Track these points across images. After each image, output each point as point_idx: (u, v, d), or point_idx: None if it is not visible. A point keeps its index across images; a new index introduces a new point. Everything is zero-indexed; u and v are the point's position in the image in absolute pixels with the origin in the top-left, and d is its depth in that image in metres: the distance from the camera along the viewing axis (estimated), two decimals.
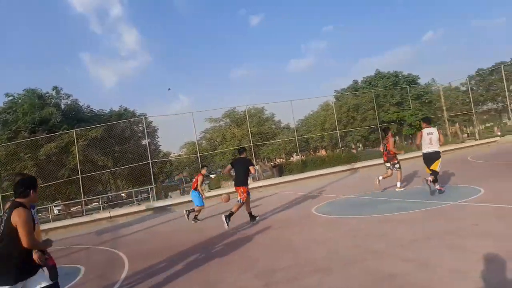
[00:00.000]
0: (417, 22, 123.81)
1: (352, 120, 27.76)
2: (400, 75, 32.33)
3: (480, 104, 38.20)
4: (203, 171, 11.71)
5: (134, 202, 23.09)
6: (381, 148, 10.61)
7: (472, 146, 24.29)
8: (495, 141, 24.39)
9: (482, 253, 4.44)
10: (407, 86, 28.77)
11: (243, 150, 9.72)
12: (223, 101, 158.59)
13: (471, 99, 28.06)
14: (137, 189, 25.13)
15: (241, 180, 9.12)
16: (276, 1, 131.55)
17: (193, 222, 11.08)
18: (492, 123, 43.64)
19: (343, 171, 19.87)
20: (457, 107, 32.76)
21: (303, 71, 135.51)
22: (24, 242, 3.28)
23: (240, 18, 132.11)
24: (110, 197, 27.20)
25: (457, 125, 38.49)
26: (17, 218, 3.29)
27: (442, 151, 9.71)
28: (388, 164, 10.66)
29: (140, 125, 25.78)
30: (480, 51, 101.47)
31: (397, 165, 10.48)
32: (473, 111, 28.28)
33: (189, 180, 31.16)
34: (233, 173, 9.65)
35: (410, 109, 27.71)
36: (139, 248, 8.80)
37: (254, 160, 24.20)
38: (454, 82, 34.22)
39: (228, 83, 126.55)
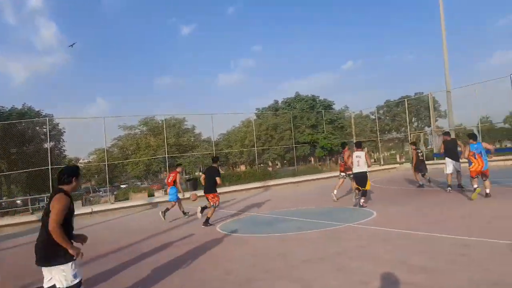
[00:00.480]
0: (339, 52, 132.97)
1: (270, 138, 28.49)
2: (317, 99, 34.26)
3: (386, 132, 41.79)
4: (179, 169, 12.66)
5: (30, 211, 20.83)
6: (338, 161, 11.68)
7: (375, 171, 26.26)
8: (395, 167, 26.69)
9: (363, 276, 4.65)
10: (323, 111, 30.56)
11: (217, 159, 10.39)
12: (144, 109, 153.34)
13: (377, 127, 30.57)
14: (33, 197, 22.76)
15: (209, 188, 9.80)
16: (209, 14, 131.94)
17: (164, 218, 11.40)
18: (395, 151, 47.79)
19: (256, 188, 20.12)
20: (366, 133, 35.48)
21: (231, 86, 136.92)
22: (51, 227, 3.34)
23: (170, 27, 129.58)
24: (2, 204, 24.26)
25: (365, 150, 41.53)
26: (55, 202, 3.44)
27: (347, 174, 11.81)
28: (343, 174, 12.48)
29: (44, 126, 23.54)
30: (391, 83, 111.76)
31: (351, 175, 11.67)
32: (379, 138, 30.76)
33: (96, 189, 29.15)
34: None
35: (323, 132, 29.36)
36: (13, 266, 7.78)
37: (168, 172, 23.49)
38: (365, 110, 37.20)
39: (151, 91, 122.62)
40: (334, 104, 33.83)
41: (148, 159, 23.13)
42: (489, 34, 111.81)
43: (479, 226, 6.72)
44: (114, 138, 25.14)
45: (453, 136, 17.02)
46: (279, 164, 41.47)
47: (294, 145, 27.10)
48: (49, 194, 19.46)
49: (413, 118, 41.62)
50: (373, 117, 43.81)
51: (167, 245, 7.93)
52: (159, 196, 18.75)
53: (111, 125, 23.22)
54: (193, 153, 26.08)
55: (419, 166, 14.01)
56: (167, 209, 11.72)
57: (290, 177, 23.94)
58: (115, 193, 24.75)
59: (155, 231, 9.96)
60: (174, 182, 11.86)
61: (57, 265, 3.44)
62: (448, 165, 11.66)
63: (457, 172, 11.70)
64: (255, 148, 24.67)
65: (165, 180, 13.59)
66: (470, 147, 9.95)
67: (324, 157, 29.66)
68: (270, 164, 32.40)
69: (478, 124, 23.77)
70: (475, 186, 9.60)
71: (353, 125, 30.19)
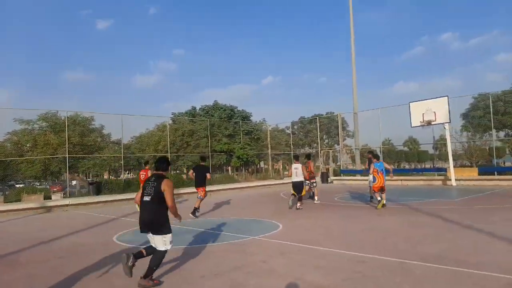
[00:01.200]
0: (260, 66, 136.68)
1: (185, 145, 27.71)
2: (236, 109, 34.41)
3: (300, 147, 43.47)
4: (148, 167, 13.53)
5: None
6: (304, 170, 13.07)
7: (288, 183, 26.98)
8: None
9: None
10: (240, 121, 30.76)
11: (205, 158, 13.06)
12: (47, 103, 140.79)
13: (291, 142, 31.63)
14: None
15: (200, 182, 11.70)
16: (129, 11, 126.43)
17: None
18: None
19: None
20: (281, 147, 36.47)
21: (149, 88, 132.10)
22: (170, 204, 4.80)
23: (83, 19, 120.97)
24: None
25: (280, 162, 42.88)
26: (166, 186, 4.81)
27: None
28: (307, 182, 13.81)
29: None
30: (307, 100, 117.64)
31: (314, 183, 14.05)
32: (292, 152, 31.81)
33: None
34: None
35: (240, 143, 29.50)
36: None
37: (68, 173, 21.46)
38: (281, 124, 38.29)
39: (56, 85, 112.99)
40: (251, 115, 34.38)
41: (46, 158, 20.86)
42: (395, 65, 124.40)
43: (375, 242, 6.99)
44: (7, 133, 22.30)
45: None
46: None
47: (210, 153, 26.73)
48: None
49: (324, 135, 44.03)
50: (288, 131, 45.61)
51: (48, 256, 6.97)
52: (56, 200, 16.89)
53: (5, 117, 20.61)
54: (99, 155, 24.20)
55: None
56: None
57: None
58: (7, 192, 21.95)
59: (40, 239, 8.79)
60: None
61: (163, 234, 4.88)
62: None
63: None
64: (169, 154, 23.74)
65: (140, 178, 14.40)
66: (374, 165, 11.83)
67: (240, 167, 29.74)
68: (185, 171, 31.46)
69: (380, 146, 25.81)
70: (379, 198, 11.49)
71: (269, 138, 30.87)
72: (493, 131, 25.77)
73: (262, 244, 7.31)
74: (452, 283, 4.60)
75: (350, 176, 27.02)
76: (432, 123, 19.54)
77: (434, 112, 19.28)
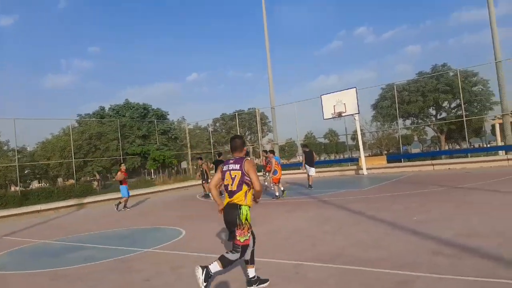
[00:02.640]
0: (184, 63, 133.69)
1: (94, 149, 25.48)
2: (150, 108, 32.55)
3: (222, 144, 42.76)
4: (123, 168, 14.22)
5: None
6: (264, 162, 15.08)
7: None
8: None
9: None
10: (155, 120, 29.16)
11: (220, 154, 14.89)
12: None
13: (211, 139, 30.83)
14: None
15: None
16: (34, 2, 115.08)
17: (124, 210, 13.83)
18: None
19: (69, 206, 17.32)
20: (204, 145, 35.43)
21: (62, 89, 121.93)
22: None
23: None
24: None
25: (200, 161, 41.70)
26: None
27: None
28: (267, 174, 15.13)
29: None
30: (233, 97, 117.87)
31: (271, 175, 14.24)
32: (212, 151, 31.01)
33: None
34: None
35: (156, 143, 27.94)
36: None
37: None
38: (202, 122, 37.20)
39: None
40: (168, 114, 32.78)
41: None
42: (316, 60, 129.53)
43: (277, 245, 6.49)
44: None
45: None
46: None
47: (122, 157, 24.87)
48: None
49: (247, 131, 43.92)
50: (211, 129, 44.69)
51: None
52: None
53: None
54: None
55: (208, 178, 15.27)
56: (124, 204, 14.15)
57: (117, 191, 21.69)
58: None
59: None
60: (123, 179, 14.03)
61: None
62: (309, 170, 15.04)
63: (310, 176, 15.05)
64: (73, 159, 21.55)
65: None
66: (276, 159, 13.02)
67: (157, 169, 28.17)
68: (96, 177, 29.04)
69: (297, 138, 26.09)
70: (282, 188, 13.23)
71: (188, 137, 29.70)
72: (399, 120, 27.42)
73: (154, 258, 6.44)
74: (340, 285, 4.19)
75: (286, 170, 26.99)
76: (343, 114, 20.06)
77: (344, 103, 19.80)
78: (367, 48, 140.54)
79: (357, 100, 19.62)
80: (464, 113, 23.50)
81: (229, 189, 4.28)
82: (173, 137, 30.71)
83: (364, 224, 7.38)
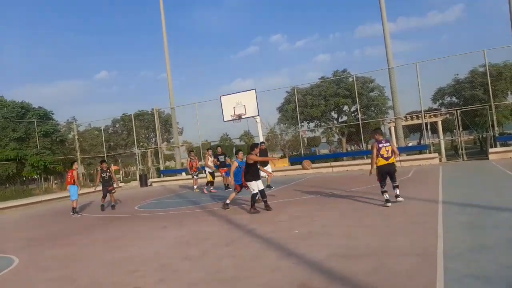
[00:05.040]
0: (93, 60, 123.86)
1: None
2: (30, 107, 28.23)
3: (122, 147, 39.49)
4: (75, 166, 13.26)
5: None
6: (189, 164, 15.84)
7: (91, 192, 23.26)
8: (120, 186, 24.62)
9: None
10: (35, 121, 25.31)
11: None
12: None
13: (103, 141, 27.96)
14: None
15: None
16: None
17: (76, 215, 12.38)
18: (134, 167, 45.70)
19: None
20: (98, 148, 32.14)
21: None
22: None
23: None
24: None
25: (103, 164, 37.89)
26: (252, 157, 8.96)
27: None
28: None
29: None
30: (141, 97, 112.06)
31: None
32: (106, 154, 28.17)
33: None
34: None
35: (36, 147, 24.26)
36: None
37: None
38: (99, 122, 33.72)
39: None
40: (53, 114, 28.80)
41: None
42: (233, 63, 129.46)
43: (116, 282, 5.01)
44: None
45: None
46: None
47: None
48: None
49: (151, 133, 41.13)
50: (111, 130, 41.00)
51: None
52: None
53: None
54: None
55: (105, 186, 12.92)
56: (73, 208, 12.56)
57: None
58: None
59: None
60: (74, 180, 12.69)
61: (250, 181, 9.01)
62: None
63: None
64: None
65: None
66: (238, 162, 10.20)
67: (39, 176, 24.43)
68: None
69: (199, 140, 24.64)
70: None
71: (76, 139, 26.48)
72: (299, 123, 27.52)
73: None
74: None
75: (172, 176, 25.22)
76: (243, 116, 19.19)
77: (244, 105, 18.94)
78: (282, 55, 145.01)
79: (257, 102, 18.89)
80: (360, 117, 24.26)
81: (385, 156, 8.27)
82: (58, 139, 27.05)
83: (237, 244, 6.24)
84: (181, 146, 42.87)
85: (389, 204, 7.99)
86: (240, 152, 10.36)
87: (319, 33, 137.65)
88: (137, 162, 26.57)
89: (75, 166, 13.22)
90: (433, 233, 5.50)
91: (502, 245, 4.66)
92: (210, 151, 15.94)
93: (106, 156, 28.68)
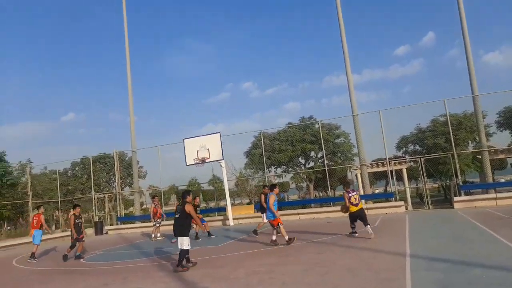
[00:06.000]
0: (60, 103, 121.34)
1: None
2: None
3: (81, 191, 37.39)
4: (42, 210, 13.09)
5: None
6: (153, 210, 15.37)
7: (52, 238, 21.48)
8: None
9: None
10: None
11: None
12: None
13: (58, 185, 26.26)
14: None
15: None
16: None
17: (33, 261, 12.05)
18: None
19: None
20: (53, 192, 30.14)
21: None
22: (195, 217, 8.46)
23: None
24: None
25: (77, 209, 35.51)
26: (189, 208, 8.15)
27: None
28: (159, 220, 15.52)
29: None
30: (109, 140, 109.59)
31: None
32: (60, 200, 26.36)
33: None
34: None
35: None
36: None
37: None
38: (55, 165, 31.87)
39: None
40: (5, 155, 26.90)
41: None
42: (204, 108, 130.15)
43: None
44: None
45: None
46: None
47: None
48: None
49: (112, 176, 39.39)
50: (70, 174, 39.04)
51: None
52: None
53: None
54: None
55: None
56: (33, 253, 12.26)
57: None
58: None
59: None
60: (41, 225, 12.59)
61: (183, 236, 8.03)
62: (264, 216, 12.83)
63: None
64: None
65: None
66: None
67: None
68: None
69: (161, 185, 23.51)
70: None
71: (29, 183, 24.69)
72: (265, 168, 27.01)
73: None
74: None
75: (129, 223, 23.67)
76: (206, 160, 18.51)
77: (208, 149, 18.33)
78: (253, 101, 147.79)
79: (221, 145, 18.34)
80: (326, 163, 24.14)
81: (355, 203, 10.34)
82: (8, 182, 25.10)
83: None
84: (147, 190, 41.22)
85: (356, 235, 10.61)
86: (277, 187, 10.95)
87: (288, 82, 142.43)
88: (94, 208, 24.89)
89: (41, 210, 13.09)
90: None
91: None
92: (156, 198, 15.94)
93: (61, 201, 26.81)
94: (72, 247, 11.70)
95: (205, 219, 21.41)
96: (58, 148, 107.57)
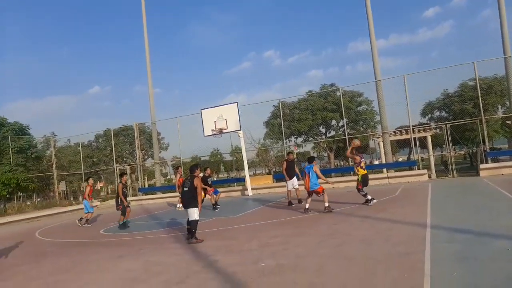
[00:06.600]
0: (86, 77, 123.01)
1: None
2: (5, 122, 26.91)
3: (104, 163, 38.22)
4: (91, 182, 14.39)
5: None
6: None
7: (77, 210, 22.20)
8: (96, 206, 23.45)
9: None
10: (9, 136, 24.09)
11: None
12: None
13: (81, 159, 26.81)
14: None
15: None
16: None
17: (87, 225, 13.46)
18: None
19: None
20: (77, 165, 30.89)
21: None
22: (199, 192, 8.11)
23: None
24: None
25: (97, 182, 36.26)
26: (197, 182, 8.11)
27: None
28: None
29: None
30: (137, 112, 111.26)
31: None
32: (83, 171, 26.99)
33: None
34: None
35: (9, 164, 23.02)
36: None
37: None
38: (78, 137, 32.48)
39: None
40: (29, 128, 27.56)
41: None
42: (227, 79, 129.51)
43: None
44: None
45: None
46: None
47: None
48: None
49: (135, 148, 39.95)
50: (94, 146, 39.84)
51: None
52: None
53: None
54: None
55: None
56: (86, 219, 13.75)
57: None
58: None
59: None
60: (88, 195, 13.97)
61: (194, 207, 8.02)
62: (288, 184, 12.84)
63: (295, 189, 12.84)
64: None
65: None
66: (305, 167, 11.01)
67: (10, 195, 23.05)
68: None
69: (181, 156, 23.69)
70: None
71: (54, 155, 25.31)
72: (283, 138, 26.67)
73: None
74: None
75: (151, 194, 24.11)
76: (224, 131, 18.35)
77: (226, 119, 18.12)
78: (275, 70, 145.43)
79: (239, 115, 18.07)
80: (347, 131, 23.56)
81: (364, 167, 11.15)
82: (33, 156, 25.75)
83: (190, 282, 5.29)
84: (171, 161, 41.67)
85: (374, 201, 10.70)
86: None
87: (311, 49, 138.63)
88: (116, 179, 25.38)
89: (90, 181, 14.41)
90: (419, 268, 4.64)
91: (501, 286, 3.81)
92: (180, 169, 15.43)
93: (84, 173, 27.47)
94: (123, 214, 11.95)
95: (224, 189, 21.62)
96: (84, 121, 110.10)
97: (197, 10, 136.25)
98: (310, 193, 10.70)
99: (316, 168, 10.74)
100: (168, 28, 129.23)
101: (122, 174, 12.57)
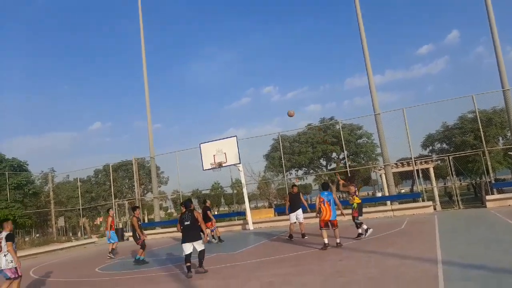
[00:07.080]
0: (87, 113, 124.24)
1: None
2: (3, 158, 26.72)
3: (103, 198, 37.73)
4: (111, 212, 14.88)
5: None
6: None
7: (74, 246, 21.65)
8: (94, 242, 22.85)
9: None
10: (7, 173, 23.84)
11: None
12: None
13: (79, 193, 26.42)
14: None
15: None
16: None
17: (111, 256, 13.72)
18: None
19: None
20: (76, 200, 30.43)
21: None
22: (202, 225, 8.58)
23: None
24: None
25: (84, 219, 35.86)
26: (197, 214, 8.42)
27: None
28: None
29: None
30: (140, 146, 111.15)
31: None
32: (81, 207, 26.52)
33: None
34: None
35: (6, 200, 22.61)
36: None
37: None
38: (76, 173, 32.19)
39: None
40: (27, 165, 27.32)
41: None
42: (227, 114, 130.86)
43: None
44: None
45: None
46: None
47: None
48: None
49: (135, 183, 39.57)
50: (93, 181, 39.52)
51: None
52: None
53: None
54: None
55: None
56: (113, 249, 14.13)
57: None
58: None
59: None
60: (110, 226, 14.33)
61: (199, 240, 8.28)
62: (291, 216, 12.60)
63: (300, 222, 12.64)
64: None
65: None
66: (320, 194, 9.96)
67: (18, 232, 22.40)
68: None
69: (180, 189, 23.31)
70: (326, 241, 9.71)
71: (51, 191, 24.96)
72: (284, 171, 26.40)
73: None
74: None
75: (150, 230, 23.50)
76: (223, 164, 18.10)
77: (225, 153, 17.93)
78: (273, 105, 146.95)
79: (238, 149, 17.91)
80: (348, 164, 23.33)
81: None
82: (30, 192, 25.36)
83: None
84: (172, 195, 41.21)
85: (371, 230, 11.06)
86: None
87: (309, 85, 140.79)
88: (114, 214, 24.88)
89: (111, 212, 14.87)
90: None
91: None
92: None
93: (82, 208, 26.99)
94: (143, 247, 11.42)
95: (225, 223, 21.10)
96: (83, 158, 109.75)
97: (197, 49, 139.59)
98: (326, 225, 9.82)
99: (335, 196, 10.59)
100: (168, 66, 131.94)
101: (135, 207, 12.00)
